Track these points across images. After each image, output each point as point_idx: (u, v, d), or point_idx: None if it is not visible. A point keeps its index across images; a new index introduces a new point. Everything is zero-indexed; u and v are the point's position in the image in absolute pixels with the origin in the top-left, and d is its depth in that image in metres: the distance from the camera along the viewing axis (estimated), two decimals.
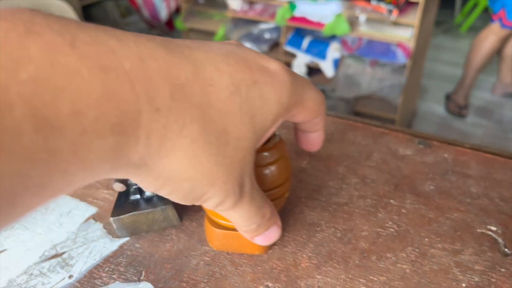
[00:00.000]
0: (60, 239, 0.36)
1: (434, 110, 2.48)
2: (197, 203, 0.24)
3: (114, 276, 0.33)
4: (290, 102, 0.24)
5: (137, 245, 0.35)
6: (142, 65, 0.18)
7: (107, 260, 0.34)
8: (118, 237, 0.36)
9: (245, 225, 0.27)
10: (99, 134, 0.17)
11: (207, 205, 0.24)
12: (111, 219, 0.35)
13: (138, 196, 0.36)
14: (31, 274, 0.33)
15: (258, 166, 0.30)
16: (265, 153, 0.30)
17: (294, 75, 0.25)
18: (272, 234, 0.29)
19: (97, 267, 0.33)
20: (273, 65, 0.24)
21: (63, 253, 0.35)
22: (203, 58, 0.21)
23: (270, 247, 0.35)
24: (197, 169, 0.21)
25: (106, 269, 0.33)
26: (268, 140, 0.32)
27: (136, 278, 0.33)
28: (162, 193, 0.22)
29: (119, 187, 0.33)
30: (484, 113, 2.46)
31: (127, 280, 0.32)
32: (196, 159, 0.21)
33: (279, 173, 0.31)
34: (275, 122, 0.24)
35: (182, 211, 0.37)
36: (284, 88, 0.23)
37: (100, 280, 0.32)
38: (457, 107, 2.40)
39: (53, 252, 0.35)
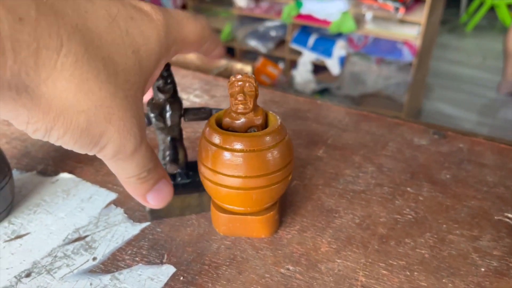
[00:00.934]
0: (82, 223, 0.36)
1: (439, 109, 2.48)
2: (96, 150, 0.22)
3: (137, 258, 0.33)
4: (169, 41, 0.24)
5: (158, 229, 0.36)
6: None
7: (129, 243, 0.35)
8: (140, 221, 0.37)
9: (139, 172, 0.24)
10: None
11: (107, 153, 0.22)
12: None
13: (172, 181, 0.37)
14: (56, 256, 0.33)
15: (260, 150, 0.30)
16: (267, 137, 0.30)
17: (168, 14, 0.25)
18: (163, 189, 0.26)
19: (120, 250, 0.34)
20: (146, 6, 0.24)
21: (86, 236, 0.35)
22: None
23: (277, 230, 0.35)
24: (89, 97, 0.20)
25: (129, 252, 0.34)
26: (269, 124, 0.33)
27: (158, 261, 0.33)
28: (55, 137, 0.20)
29: (173, 169, 0.33)
30: (489, 111, 2.45)
31: (149, 262, 0.33)
32: (86, 84, 0.19)
33: (281, 156, 0.31)
34: (158, 62, 0.24)
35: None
36: (160, 27, 0.24)
37: (123, 263, 0.33)
38: None
39: (76, 236, 0.35)
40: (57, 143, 0.21)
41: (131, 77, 0.22)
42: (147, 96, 0.34)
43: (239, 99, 0.31)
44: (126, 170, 0.24)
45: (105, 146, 0.21)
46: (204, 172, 0.32)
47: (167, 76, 0.32)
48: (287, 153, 0.32)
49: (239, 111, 0.31)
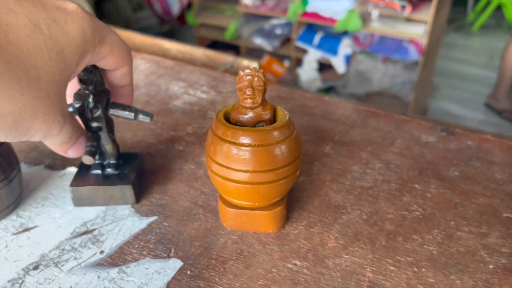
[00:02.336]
0: (89, 216, 0.36)
1: (445, 108, 2.47)
2: (27, 138, 0.25)
3: (144, 252, 0.33)
4: (95, 37, 0.27)
5: (165, 224, 0.36)
6: None
7: (136, 237, 0.35)
8: (147, 216, 0.37)
9: (63, 141, 0.29)
10: None
11: (36, 138, 0.26)
12: (70, 188, 0.36)
13: (99, 171, 0.37)
14: (63, 249, 0.34)
15: (268, 145, 0.30)
16: (275, 132, 0.30)
17: (93, 16, 0.27)
18: (81, 144, 0.32)
19: (127, 243, 0.34)
20: (71, 6, 0.26)
21: (93, 230, 0.35)
22: None
23: (284, 225, 0.35)
24: (13, 102, 0.22)
25: (136, 245, 0.34)
26: (277, 119, 0.33)
27: (165, 255, 0.33)
28: None
29: (88, 160, 0.33)
30: (495, 111, 2.43)
31: (157, 256, 0.33)
32: (8, 93, 0.22)
33: (289, 151, 0.31)
34: (84, 56, 0.26)
35: (140, 191, 0.38)
36: (85, 23, 0.26)
37: (130, 256, 0.33)
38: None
39: (83, 229, 0.35)
40: None
41: (55, 76, 0.24)
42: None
43: (248, 93, 0.31)
44: (54, 142, 0.29)
45: (34, 135, 0.25)
46: (212, 166, 0.32)
47: (89, 67, 0.32)
48: (295, 148, 0.32)
49: (247, 105, 0.31)
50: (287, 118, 0.32)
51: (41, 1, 0.24)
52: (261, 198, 0.32)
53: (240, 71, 0.31)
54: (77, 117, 0.34)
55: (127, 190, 0.37)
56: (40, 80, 0.23)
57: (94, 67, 0.32)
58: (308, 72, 2.27)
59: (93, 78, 0.32)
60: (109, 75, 0.33)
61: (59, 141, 0.29)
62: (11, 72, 0.22)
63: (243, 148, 0.30)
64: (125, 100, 0.35)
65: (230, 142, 0.30)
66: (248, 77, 0.31)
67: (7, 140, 0.24)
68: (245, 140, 0.30)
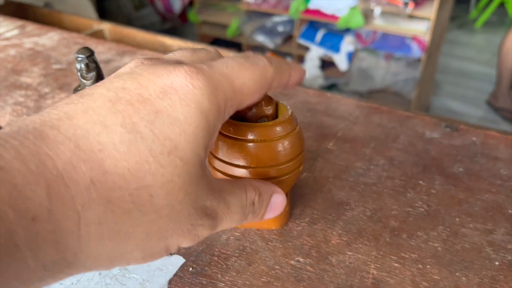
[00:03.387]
0: None
1: (448, 105, 2.46)
2: (174, 251, 0.22)
3: None
4: (218, 101, 0.21)
5: None
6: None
7: None
8: None
9: (243, 220, 0.24)
10: None
11: (187, 245, 0.22)
12: None
13: None
14: None
15: (271, 140, 0.30)
16: (278, 127, 0.30)
17: (210, 72, 0.21)
18: (275, 204, 0.27)
19: None
20: (178, 78, 0.20)
21: None
22: (83, 122, 0.18)
23: (287, 221, 0.35)
24: (130, 241, 0.19)
25: None
26: (280, 114, 0.32)
27: None
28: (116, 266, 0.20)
29: None
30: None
31: None
32: (119, 234, 0.18)
33: (292, 147, 0.31)
34: (211, 132, 0.21)
35: None
36: (200, 96, 0.20)
37: None
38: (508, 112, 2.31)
39: None
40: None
41: (174, 183, 0.19)
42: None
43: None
44: (231, 225, 0.23)
45: (180, 246, 0.21)
46: (214, 163, 0.32)
47: (90, 63, 0.32)
48: (298, 143, 0.31)
49: None
50: (290, 113, 0.32)
51: (142, 89, 0.19)
52: None
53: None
54: None
55: None
56: (155, 198, 0.18)
57: (93, 60, 0.32)
58: (310, 69, 2.27)
59: (94, 73, 0.32)
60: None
61: (236, 222, 0.23)
62: (115, 210, 0.17)
63: (246, 144, 0.30)
64: (300, 78, 0.28)
65: (232, 138, 0.30)
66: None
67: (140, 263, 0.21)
68: (248, 135, 0.30)
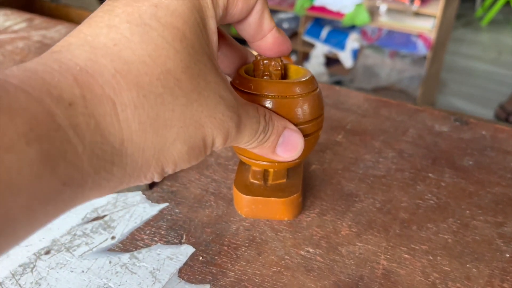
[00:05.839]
0: (100, 203, 0.36)
1: (453, 104, 2.45)
2: (209, 152, 0.22)
3: (156, 238, 0.33)
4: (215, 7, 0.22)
5: (176, 210, 0.35)
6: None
7: (147, 223, 0.34)
8: (158, 202, 0.36)
9: (255, 138, 0.25)
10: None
11: (218, 147, 0.23)
12: None
13: None
14: (75, 235, 0.33)
15: (292, 97, 0.29)
16: (299, 86, 0.29)
17: None
18: (291, 139, 0.27)
19: (138, 229, 0.34)
20: None
21: (104, 216, 0.35)
22: (89, 32, 0.19)
23: (300, 212, 0.35)
24: (169, 127, 0.19)
25: (148, 231, 0.34)
26: (301, 76, 0.31)
27: (177, 241, 0.33)
28: (170, 170, 0.21)
29: None
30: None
31: (168, 242, 0.33)
32: (157, 120, 0.19)
33: (313, 107, 0.30)
34: (207, 19, 0.21)
35: None
36: None
37: (142, 242, 0.33)
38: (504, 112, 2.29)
39: (94, 215, 0.35)
40: (176, 170, 0.21)
41: (192, 68, 0.20)
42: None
43: (265, 78, 0.30)
44: (250, 144, 0.25)
45: (215, 144, 0.22)
46: None
47: None
48: (318, 105, 0.30)
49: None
50: (310, 75, 0.31)
51: None
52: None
53: (256, 55, 0.30)
54: None
55: None
56: (181, 82, 0.19)
57: None
58: (315, 66, 2.26)
59: None
60: (245, 29, 0.27)
61: (254, 140, 0.25)
62: (148, 95, 0.18)
63: (267, 100, 0.28)
64: (284, 48, 0.28)
65: (253, 94, 0.29)
66: (265, 61, 0.30)
67: (192, 164, 0.21)
68: (269, 92, 0.28)
